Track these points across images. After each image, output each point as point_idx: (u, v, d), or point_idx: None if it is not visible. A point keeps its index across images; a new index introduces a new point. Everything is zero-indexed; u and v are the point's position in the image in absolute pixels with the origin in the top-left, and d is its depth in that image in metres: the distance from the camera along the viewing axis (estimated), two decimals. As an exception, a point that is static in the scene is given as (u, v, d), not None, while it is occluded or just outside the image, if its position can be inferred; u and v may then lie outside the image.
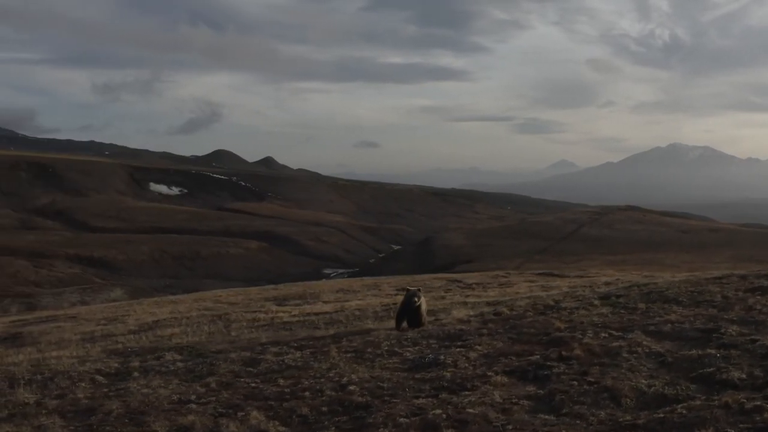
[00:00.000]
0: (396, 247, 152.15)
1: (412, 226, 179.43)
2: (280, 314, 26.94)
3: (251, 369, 11.02)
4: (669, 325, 11.27)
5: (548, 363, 9.47)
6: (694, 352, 9.49)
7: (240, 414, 8.38)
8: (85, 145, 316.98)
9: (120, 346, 18.70)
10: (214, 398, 9.30)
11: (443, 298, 28.76)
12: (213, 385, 10.08)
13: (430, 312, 20.63)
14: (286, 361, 11.22)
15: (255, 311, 29.34)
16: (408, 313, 13.81)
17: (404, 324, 13.80)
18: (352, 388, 9.05)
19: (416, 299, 13.75)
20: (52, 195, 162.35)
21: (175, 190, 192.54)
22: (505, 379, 8.97)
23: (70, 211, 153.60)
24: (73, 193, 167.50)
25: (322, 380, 9.66)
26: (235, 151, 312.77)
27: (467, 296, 28.55)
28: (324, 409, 8.35)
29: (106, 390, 10.54)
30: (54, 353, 18.83)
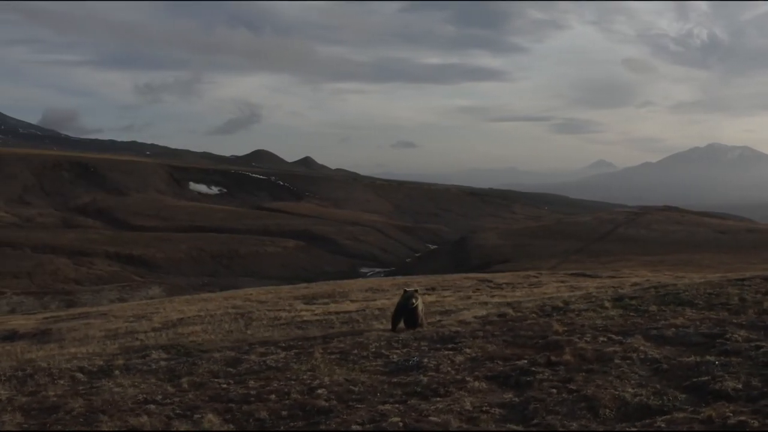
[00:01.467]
0: (432, 247, 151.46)
1: (449, 226, 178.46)
2: (303, 313, 26.75)
3: (231, 369, 10.72)
4: (673, 329, 10.60)
5: (534, 368, 8.91)
6: (692, 359, 8.84)
7: (196, 416, 8.10)
8: (127, 146, 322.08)
9: (138, 343, 18.64)
10: (179, 399, 9.04)
11: (469, 298, 28.21)
12: (185, 385, 9.81)
13: (446, 312, 20.18)
14: (267, 362, 10.87)
15: (278, 310, 29.20)
16: (404, 314, 13.34)
17: (401, 325, 13.31)
18: (320, 391, 8.70)
19: (413, 300, 13.27)
20: (93, 194, 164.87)
21: (214, 190, 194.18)
22: (484, 385, 8.45)
23: (111, 210, 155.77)
24: (114, 192, 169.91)
25: (294, 382, 9.32)
26: (274, 152, 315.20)
27: (492, 296, 27.95)
28: (284, 413, 8.02)
29: (81, 388, 10.38)
30: (73, 349, 18.82)
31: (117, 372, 11.25)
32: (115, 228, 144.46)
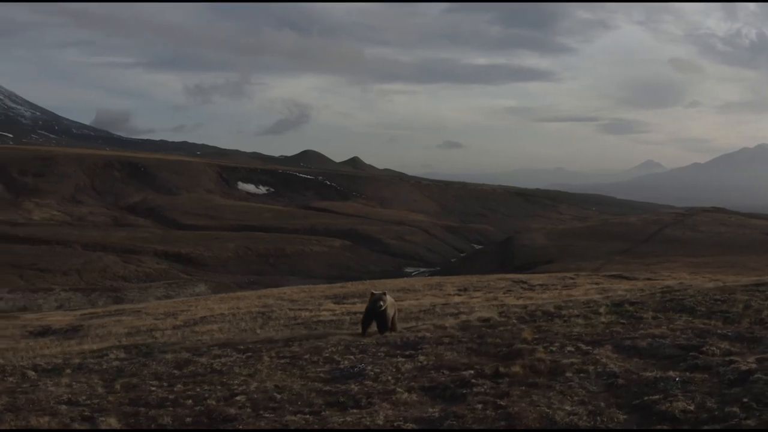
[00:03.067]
0: (478, 247, 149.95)
1: (495, 226, 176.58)
2: (324, 312, 26.52)
3: (175, 371, 10.36)
4: (649, 339, 9.73)
5: (476, 380, 8.21)
6: (653, 374, 7.98)
7: (100, 419, 7.83)
8: (178, 146, 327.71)
9: (152, 341, 18.49)
10: (98, 401, 8.77)
11: (495, 299, 27.51)
12: (118, 386, 9.54)
13: (452, 314, 19.45)
14: (215, 365, 10.45)
15: (302, 309, 29.05)
16: (374, 317, 12.64)
17: (373, 328, 12.64)
18: (239, 398, 8.28)
19: (381, 303, 12.58)
20: (143, 193, 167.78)
21: (262, 189, 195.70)
22: (414, 397, 7.78)
23: (161, 208, 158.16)
24: (164, 191, 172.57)
25: (220, 388, 8.93)
26: (322, 152, 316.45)
27: (519, 298, 27.17)
28: (188, 419, 7.66)
29: (25, 385, 10.21)
30: (85, 346, 18.73)
31: (68, 371, 11.07)
32: (165, 227, 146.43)
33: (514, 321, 12.41)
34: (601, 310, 13.07)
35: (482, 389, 7.87)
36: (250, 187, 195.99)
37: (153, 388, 9.22)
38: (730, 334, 9.79)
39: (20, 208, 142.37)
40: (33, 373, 10.95)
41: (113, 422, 7.64)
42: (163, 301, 54.39)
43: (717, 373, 7.85)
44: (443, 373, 8.78)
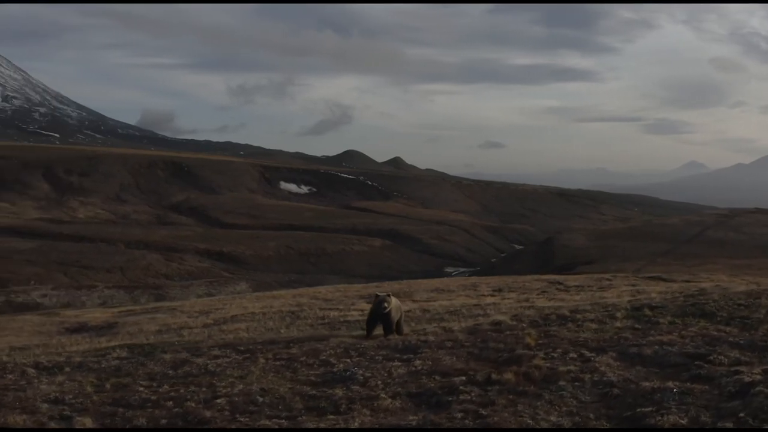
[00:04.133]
0: (518, 247, 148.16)
1: (536, 226, 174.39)
2: (353, 312, 26.43)
3: (170, 371, 10.30)
4: (656, 346, 9.29)
5: (465, 387, 7.91)
6: (651, 384, 7.58)
7: (76, 419, 7.79)
8: (222, 146, 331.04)
9: (177, 339, 18.59)
10: (82, 400, 8.74)
11: (527, 300, 27.12)
12: (108, 386, 9.52)
13: (474, 315, 19.10)
14: (209, 366, 10.36)
15: (331, 309, 28.99)
16: (379, 319, 12.37)
17: (379, 331, 12.37)
18: (220, 401, 8.16)
19: (385, 305, 12.29)
20: (186, 192, 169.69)
21: (304, 189, 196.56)
22: (397, 404, 7.52)
23: (203, 207, 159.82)
24: (207, 190, 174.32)
25: (205, 390, 8.83)
26: (364, 152, 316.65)
27: (551, 300, 26.74)
28: (163, 421, 7.59)
29: (22, 383, 10.26)
30: (113, 343, 18.89)
31: (67, 369, 11.07)
32: (207, 225, 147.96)
33: (524, 325, 12.04)
34: (618, 314, 12.62)
35: (468, 397, 7.58)
36: (292, 187, 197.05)
37: (141, 389, 9.16)
38: (742, 342, 9.31)
39: (65, 207, 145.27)
40: (33, 371, 10.99)
41: (88, 422, 7.59)
42: (200, 299, 54.89)
43: (718, 385, 7.42)
44: (434, 379, 8.50)
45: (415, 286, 41.25)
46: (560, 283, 37.31)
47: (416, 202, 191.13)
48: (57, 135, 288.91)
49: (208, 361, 10.63)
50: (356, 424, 6.86)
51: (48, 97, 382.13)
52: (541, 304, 22.80)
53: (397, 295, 35.44)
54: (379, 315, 12.35)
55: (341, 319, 23.47)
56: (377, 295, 12.65)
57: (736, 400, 6.90)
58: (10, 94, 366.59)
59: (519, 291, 34.27)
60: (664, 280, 37.32)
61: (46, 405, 8.46)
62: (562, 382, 7.87)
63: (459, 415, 6.97)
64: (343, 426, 6.80)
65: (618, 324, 11.70)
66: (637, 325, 11.47)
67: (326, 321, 23.59)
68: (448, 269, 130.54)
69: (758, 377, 7.41)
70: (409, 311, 24.25)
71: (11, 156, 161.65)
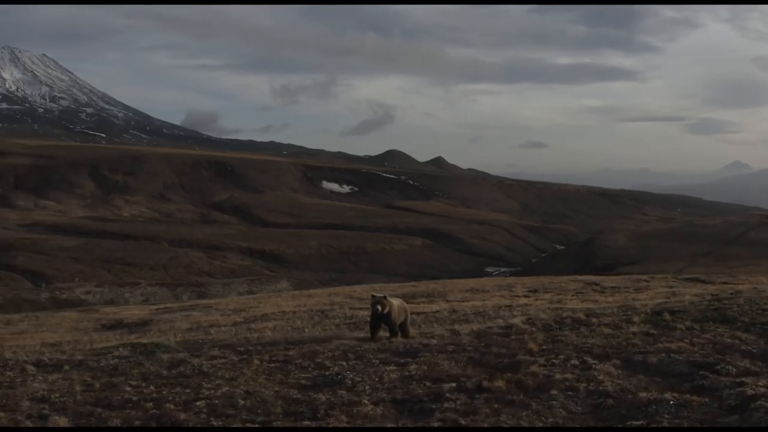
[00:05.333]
0: (560, 247, 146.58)
1: (578, 227, 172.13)
2: None
3: (165, 372, 10.20)
4: (663, 354, 8.83)
5: (452, 394, 7.59)
6: (648, 395, 7.16)
7: (54, 418, 7.76)
8: (266, 146, 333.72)
9: (200, 337, 18.59)
10: (67, 399, 8.71)
11: (559, 302, 26.60)
12: (97, 385, 9.47)
13: (496, 317, 18.69)
14: (204, 366, 10.23)
15: (363, 308, 28.76)
16: (380, 321, 12.05)
17: (384, 333, 12.05)
18: (199, 403, 8.03)
19: (379, 307, 11.95)
20: (230, 191, 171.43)
21: (346, 188, 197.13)
22: (378, 411, 7.27)
23: (246, 206, 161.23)
24: (250, 189, 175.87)
25: (189, 390, 8.73)
26: (406, 151, 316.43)
27: (584, 301, 26.16)
28: (137, 423, 7.51)
29: (18, 380, 10.33)
30: (142, 340, 18.98)
31: (66, 367, 11.07)
32: (249, 224, 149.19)
33: (534, 329, 11.62)
34: (636, 318, 12.12)
35: (453, 405, 7.26)
36: (334, 186, 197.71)
37: (128, 389, 9.09)
38: (755, 350, 8.80)
39: (111, 205, 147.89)
40: (33, 368, 11.01)
41: (63, 422, 7.55)
42: (236, 297, 55.26)
43: (719, 397, 6.98)
44: (424, 385, 8.20)
45: (451, 285, 40.87)
46: (597, 284, 36.66)
47: (457, 201, 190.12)
48: (103, 135, 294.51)
49: (204, 362, 10.52)
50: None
51: (95, 98, 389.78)
52: (572, 306, 22.27)
53: (430, 296, 35.39)
54: (379, 317, 12.05)
55: (367, 319, 23.19)
56: (373, 296, 12.33)
57: (734, 414, 6.46)
58: (57, 94, 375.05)
59: (554, 292, 33.71)
60: (702, 281, 36.44)
61: (28, 403, 8.45)
62: (554, 391, 7.50)
63: (437, 424, 6.67)
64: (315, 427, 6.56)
65: (633, 329, 11.23)
66: (652, 331, 10.99)
67: (353, 320, 23.36)
68: (489, 269, 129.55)
69: (762, 390, 6.94)
70: (437, 312, 23.96)
71: (58, 155, 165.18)
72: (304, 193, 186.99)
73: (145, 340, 19.02)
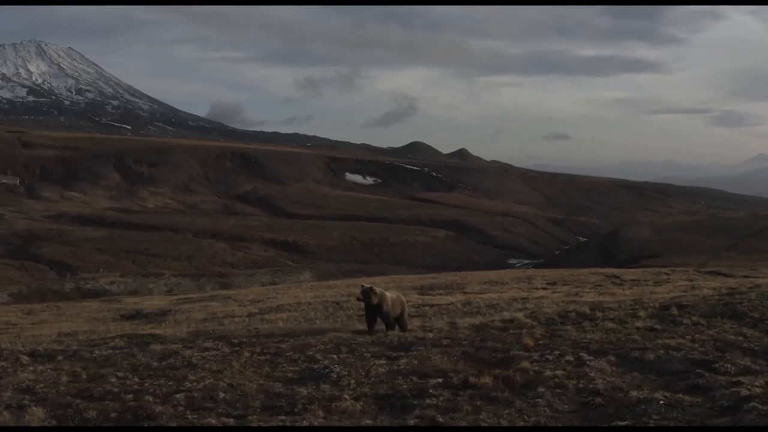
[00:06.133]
0: (583, 239, 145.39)
1: (601, 219, 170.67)
2: None
3: (154, 363, 10.12)
4: (661, 351, 8.54)
5: (436, 390, 7.39)
6: (637, 394, 6.89)
7: (31, 409, 7.67)
8: (290, 137, 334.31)
9: (211, 328, 18.59)
10: (49, 390, 8.65)
11: (576, 294, 26.33)
12: (84, 376, 9.43)
13: (508, 310, 18.44)
14: (194, 358, 10.15)
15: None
16: (374, 313, 11.84)
17: (381, 326, 11.84)
18: (178, 396, 7.92)
19: (371, 298, 11.78)
20: (254, 183, 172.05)
21: (369, 180, 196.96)
22: (358, 406, 7.10)
23: (270, 198, 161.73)
24: (274, 181, 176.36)
25: (172, 383, 8.63)
26: (430, 143, 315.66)
27: (601, 294, 25.87)
28: (113, 415, 7.40)
29: (10, 370, 10.31)
30: (155, 330, 19.02)
31: (60, 357, 11.05)
32: (273, 215, 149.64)
33: (535, 324, 11.38)
34: (642, 313, 11.82)
35: (434, 402, 7.06)
36: (357, 178, 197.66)
37: (113, 380, 9.03)
38: (757, 348, 8.48)
39: (135, 196, 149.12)
40: (27, 358, 10.99)
41: (40, 413, 7.47)
42: (257, 288, 55.44)
43: (713, 397, 6.69)
44: (411, 380, 8.01)
45: (470, 277, 40.73)
46: (617, 277, 36.42)
47: (480, 193, 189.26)
48: (129, 127, 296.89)
49: (195, 354, 10.43)
50: (304, 425, 6.49)
51: (120, 90, 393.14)
52: (589, 299, 21.99)
53: (449, 287, 35.18)
54: (370, 309, 11.86)
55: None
56: (362, 286, 12.13)
57: (726, 416, 6.19)
58: (83, 87, 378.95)
59: (572, 284, 33.44)
60: (723, 275, 36.11)
61: (10, 393, 8.41)
62: (541, 389, 7.26)
63: (413, 421, 6.49)
64: (288, 426, 6.44)
65: (638, 324, 10.94)
66: (656, 326, 10.70)
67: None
68: (511, 261, 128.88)
69: (758, 390, 6.65)
70: (451, 304, 23.77)
71: (84, 147, 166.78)
72: (328, 185, 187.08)
73: (149, 331, 19.05)
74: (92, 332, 21.64)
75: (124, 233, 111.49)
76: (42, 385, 8.77)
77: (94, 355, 10.81)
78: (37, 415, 7.30)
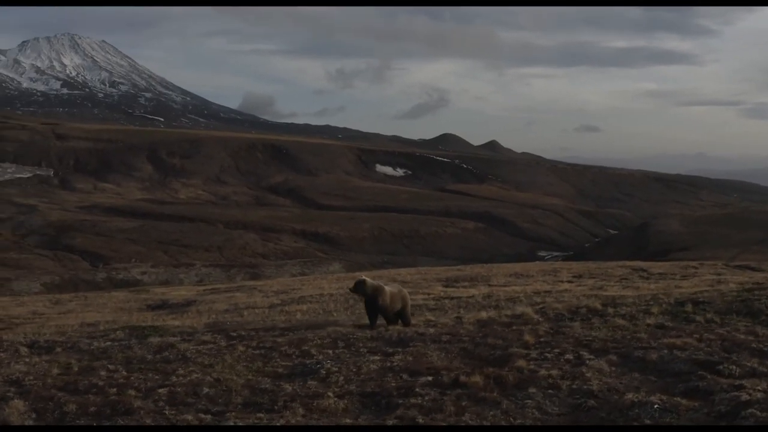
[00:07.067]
0: (613, 232, 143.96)
1: (632, 211, 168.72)
2: (419, 296, 25.89)
3: (149, 356, 10.01)
4: (665, 350, 8.18)
5: (423, 389, 7.15)
6: (632, 396, 6.57)
7: (11, 402, 7.60)
8: (321, 129, 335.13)
9: (229, 320, 18.63)
10: (37, 382, 8.59)
11: (601, 288, 25.89)
12: (75, 368, 9.33)
13: (529, 304, 18.12)
14: (189, 351, 10.02)
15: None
16: (373, 307, 11.61)
17: (383, 320, 11.62)
18: (162, 390, 7.80)
19: (359, 290, 11.53)
20: (285, 174, 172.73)
21: (399, 172, 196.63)
22: (341, 405, 6.90)
23: (300, 189, 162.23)
24: (304, 172, 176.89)
25: (158, 377, 8.54)
26: (461, 135, 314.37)
27: (626, 288, 25.38)
28: (92, 409, 7.30)
29: (6, 361, 10.32)
30: (175, 321, 19.13)
31: (58, 349, 11.00)
32: (303, 206, 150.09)
33: (541, 319, 11.04)
34: (654, 309, 11.44)
35: (419, 401, 6.82)
36: (388, 170, 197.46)
37: (103, 373, 8.94)
38: (766, 348, 8.09)
39: (168, 188, 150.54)
40: (26, 349, 10.97)
41: (20, 406, 7.39)
42: (284, 279, 55.59)
43: (711, 402, 6.34)
44: (401, 377, 7.78)
45: (496, 270, 40.33)
46: (644, 270, 35.81)
47: (510, 185, 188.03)
48: (162, 119, 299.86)
49: (192, 347, 10.32)
50: (281, 423, 6.32)
51: (153, 83, 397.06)
52: (612, 293, 21.61)
53: (474, 280, 34.86)
54: (369, 303, 11.64)
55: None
56: (356, 280, 11.89)
57: (721, 422, 5.87)
58: (117, 80, 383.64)
59: (598, 278, 32.95)
60: (752, 269, 35.33)
61: (-5, 387, 8.32)
62: (532, 389, 6.97)
63: (392, 422, 6.27)
64: (264, 425, 6.28)
65: (649, 321, 10.56)
66: (668, 323, 10.31)
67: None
68: (541, 253, 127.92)
69: (759, 395, 6.29)
70: (471, 297, 23.47)
71: (117, 139, 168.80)
72: (358, 177, 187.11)
73: (169, 322, 19.08)
74: (113, 322, 21.78)
75: (156, 224, 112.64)
76: (31, 377, 8.72)
77: (92, 347, 10.74)
78: (17, 407, 7.23)
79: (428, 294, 26.36)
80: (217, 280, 76.55)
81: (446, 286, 30.61)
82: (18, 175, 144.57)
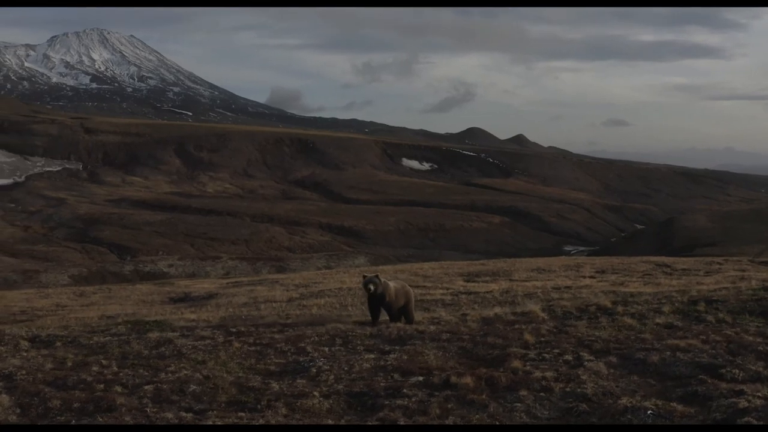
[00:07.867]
0: (639, 227, 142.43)
1: (658, 206, 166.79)
2: (439, 291, 25.83)
3: (145, 352, 9.95)
4: (668, 352, 7.90)
5: (411, 390, 6.98)
6: (626, 401, 6.34)
7: (0, 396, 7.60)
8: (348, 123, 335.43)
9: (245, 314, 18.66)
10: (28, 376, 8.57)
11: (622, 284, 25.58)
12: (69, 363, 9.30)
13: (544, 300, 17.89)
14: (185, 348, 9.94)
15: (419, 287, 28.37)
16: (377, 304, 11.44)
17: (384, 317, 11.47)
18: (148, 387, 7.74)
19: (372, 287, 11.36)
20: (311, 168, 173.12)
21: (425, 166, 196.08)
22: (326, 405, 6.73)
23: (327, 183, 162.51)
24: (331, 166, 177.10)
25: (147, 373, 8.48)
26: (487, 129, 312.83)
27: (647, 284, 25.01)
28: (76, 405, 7.23)
29: (4, 355, 10.35)
30: (192, 315, 19.19)
31: (58, 343, 10.99)
32: (330, 200, 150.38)
33: (546, 318, 10.82)
34: (665, 308, 11.15)
35: (405, 403, 6.64)
36: (414, 164, 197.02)
37: (94, 368, 8.90)
38: (774, 352, 7.84)
39: (195, 181, 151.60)
40: (26, 343, 10.98)
41: (5, 401, 7.40)
42: (307, 272, 55.62)
43: (708, 408, 6.09)
44: (391, 377, 7.60)
45: (519, 264, 40.00)
46: (668, 266, 35.30)
47: (537, 179, 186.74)
48: (190, 113, 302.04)
49: (188, 343, 10.24)
50: (260, 423, 6.22)
51: (181, 77, 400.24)
52: (630, 290, 21.32)
53: (495, 274, 34.61)
54: (373, 299, 11.48)
55: (417, 298, 22.91)
56: (364, 276, 11.70)
57: (717, 430, 5.65)
58: (145, 74, 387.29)
59: (621, 273, 32.59)
60: (778, 266, 34.55)
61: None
62: (523, 392, 6.75)
63: (373, 423, 6.12)
64: (244, 424, 6.18)
65: (658, 320, 10.28)
66: (677, 323, 10.03)
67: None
68: (567, 248, 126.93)
69: (758, 402, 6.02)
70: (489, 293, 23.24)
71: (146, 133, 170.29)
72: (385, 170, 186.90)
73: (188, 315, 19.10)
74: (133, 314, 21.87)
75: (183, 217, 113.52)
76: (24, 372, 8.70)
77: (91, 342, 10.71)
78: (2, 402, 7.21)
79: (447, 289, 26.15)
80: (242, 273, 76.88)
81: (467, 281, 30.37)
82: (47, 169, 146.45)
